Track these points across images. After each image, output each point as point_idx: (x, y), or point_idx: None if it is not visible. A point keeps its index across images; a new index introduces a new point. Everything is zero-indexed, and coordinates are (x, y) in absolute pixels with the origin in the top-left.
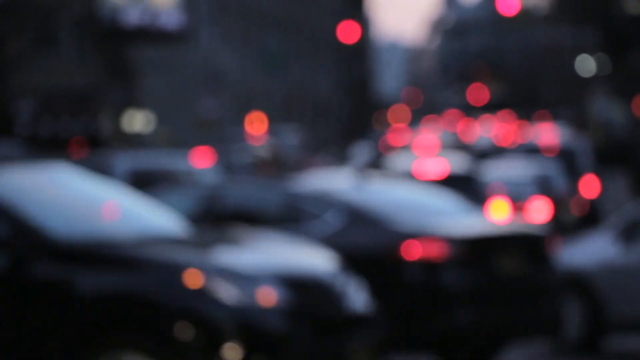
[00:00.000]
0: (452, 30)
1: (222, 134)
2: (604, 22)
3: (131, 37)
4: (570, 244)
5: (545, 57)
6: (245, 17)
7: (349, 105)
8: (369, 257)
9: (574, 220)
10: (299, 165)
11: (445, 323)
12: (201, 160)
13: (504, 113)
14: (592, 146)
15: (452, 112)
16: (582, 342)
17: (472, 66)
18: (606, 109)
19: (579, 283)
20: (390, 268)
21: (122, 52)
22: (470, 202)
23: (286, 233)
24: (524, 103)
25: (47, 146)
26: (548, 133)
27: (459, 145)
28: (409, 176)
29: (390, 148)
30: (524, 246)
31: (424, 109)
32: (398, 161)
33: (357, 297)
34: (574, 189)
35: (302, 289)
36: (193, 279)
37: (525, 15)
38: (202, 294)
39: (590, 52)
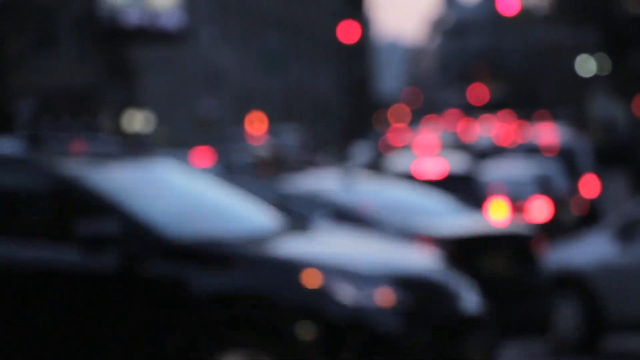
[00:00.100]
0: (452, 30)
1: (222, 134)
2: (604, 22)
3: (131, 37)
4: (569, 243)
5: (545, 57)
6: (245, 17)
7: (349, 105)
8: None
9: (574, 220)
10: (299, 165)
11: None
12: (201, 160)
13: (504, 113)
14: (592, 146)
15: (452, 112)
16: (581, 342)
17: (472, 66)
18: (606, 109)
19: (577, 282)
20: None
21: (122, 52)
22: (470, 202)
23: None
24: (524, 103)
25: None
26: (548, 133)
27: (459, 145)
28: (409, 176)
29: (390, 148)
30: (511, 246)
31: (424, 109)
32: (398, 161)
33: (470, 297)
34: (574, 189)
35: (417, 289)
36: (311, 279)
37: (525, 15)
38: (320, 293)
39: (591, 52)
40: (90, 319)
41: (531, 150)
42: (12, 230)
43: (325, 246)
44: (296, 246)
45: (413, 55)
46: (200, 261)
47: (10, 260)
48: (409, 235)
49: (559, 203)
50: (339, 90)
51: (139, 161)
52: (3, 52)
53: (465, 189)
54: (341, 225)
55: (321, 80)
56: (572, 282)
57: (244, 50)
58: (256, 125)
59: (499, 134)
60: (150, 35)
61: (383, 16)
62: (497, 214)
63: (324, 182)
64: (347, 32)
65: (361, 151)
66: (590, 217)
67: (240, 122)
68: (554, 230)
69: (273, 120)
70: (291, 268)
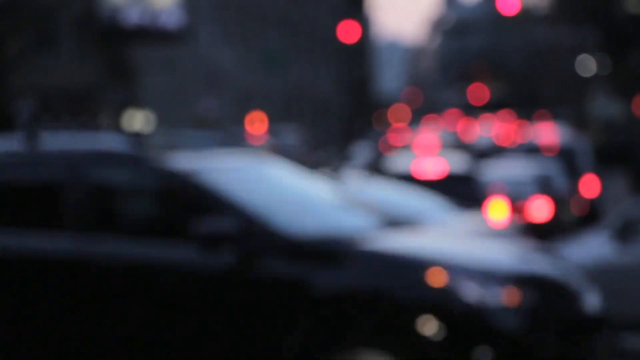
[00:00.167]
0: (452, 29)
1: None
2: (604, 22)
3: (131, 36)
4: (568, 243)
5: (545, 57)
6: (245, 16)
7: (349, 105)
8: None
9: (574, 220)
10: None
11: None
12: None
13: (504, 113)
14: (592, 146)
15: (452, 112)
16: None
17: (472, 66)
18: (606, 108)
19: None
20: None
21: (122, 52)
22: (470, 202)
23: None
24: (524, 103)
25: None
26: (548, 133)
27: (459, 145)
28: (409, 176)
29: (390, 148)
30: None
31: (424, 109)
32: (398, 161)
33: (591, 297)
34: (574, 189)
35: (541, 288)
36: (436, 276)
37: (525, 14)
38: (445, 292)
39: (591, 52)
40: (206, 317)
41: (531, 150)
42: (125, 229)
43: (440, 244)
44: (411, 243)
45: (413, 55)
46: (319, 259)
47: (125, 258)
48: None
49: (559, 203)
50: (339, 90)
51: (240, 156)
52: (3, 52)
53: (465, 189)
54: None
55: (321, 80)
56: None
57: (244, 50)
58: (256, 125)
59: (499, 134)
60: (150, 34)
61: (383, 16)
62: (497, 214)
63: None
64: (347, 31)
65: (361, 151)
66: (590, 217)
67: (240, 122)
68: (554, 230)
69: (273, 120)
70: (415, 266)
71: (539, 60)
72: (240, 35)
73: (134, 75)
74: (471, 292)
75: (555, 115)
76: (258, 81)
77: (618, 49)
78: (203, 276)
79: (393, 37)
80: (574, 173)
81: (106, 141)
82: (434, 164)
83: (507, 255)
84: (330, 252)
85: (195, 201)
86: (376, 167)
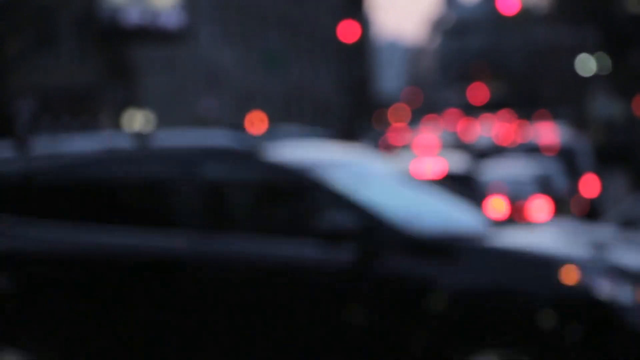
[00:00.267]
0: (452, 29)
1: None
2: (604, 22)
3: (131, 36)
4: None
5: (545, 57)
6: (245, 16)
7: (349, 105)
8: None
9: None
10: None
11: None
12: None
13: (504, 112)
14: (592, 145)
15: (452, 112)
16: None
17: (472, 66)
18: (606, 108)
19: None
20: None
21: (122, 52)
22: (470, 201)
23: None
24: (524, 102)
25: None
26: (548, 132)
27: (459, 145)
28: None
29: (390, 147)
30: None
31: (424, 109)
32: (398, 161)
33: None
34: (574, 189)
35: None
36: (569, 274)
37: (525, 14)
38: (579, 290)
39: (591, 52)
40: (325, 316)
41: (531, 149)
42: (240, 226)
43: (560, 241)
44: (532, 240)
45: (413, 55)
46: (443, 257)
47: (242, 256)
48: None
49: (559, 203)
50: (339, 90)
51: (342, 151)
52: (3, 52)
53: (465, 189)
54: None
55: (321, 79)
56: None
57: (244, 50)
58: (256, 124)
59: (499, 134)
60: (150, 34)
61: (383, 16)
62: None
63: None
64: (347, 31)
65: None
66: (590, 216)
67: (240, 121)
68: None
69: (273, 120)
70: (546, 263)
71: (539, 60)
72: (240, 35)
73: (134, 75)
74: (605, 290)
75: (555, 115)
76: (258, 81)
77: (618, 49)
78: (323, 274)
79: (393, 37)
80: (574, 173)
81: (217, 138)
82: (434, 164)
83: (626, 252)
84: (454, 249)
85: (314, 198)
86: None
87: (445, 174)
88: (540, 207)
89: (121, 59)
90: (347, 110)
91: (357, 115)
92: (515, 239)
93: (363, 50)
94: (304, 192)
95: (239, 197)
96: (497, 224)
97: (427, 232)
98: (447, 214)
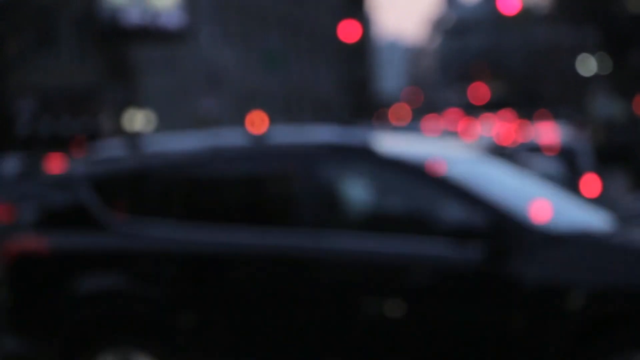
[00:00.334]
0: (453, 29)
1: None
2: (605, 22)
3: (131, 36)
4: None
5: (545, 56)
6: (245, 16)
7: (350, 105)
8: None
9: None
10: None
11: None
12: None
13: (504, 112)
14: (593, 145)
15: (453, 111)
16: None
17: (472, 65)
18: (606, 108)
19: None
20: None
21: (122, 52)
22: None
23: None
24: (524, 102)
25: (47, 146)
26: (549, 132)
27: None
28: None
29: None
30: None
31: (424, 108)
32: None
33: None
34: (574, 188)
35: None
36: None
37: (525, 14)
38: None
39: (591, 51)
40: (452, 315)
41: (532, 149)
42: (360, 224)
43: None
44: None
45: (413, 54)
46: (578, 253)
47: (363, 253)
48: None
49: None
50: (340, 90)
51: (453, 147)
52: (3, 52)
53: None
54: None
55: (322, 79)
56: None
57: (244, 49)
58: (257, 124)
59: (500, 134)
60: (150, 34)
61: (383, 15)
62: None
63: None
64: (347, 31)
65: None
66: None
67: (240, 121)
68: None
69: (273, 119)
70: None
71: (539, 60)
72: (240, 35)
73: (134, 75)
74: None
75: (556, 114)
76: (258, 81)
77: (618, 49)
78: (449, 273)
79: (393, 37)
80: (574, 172)
81: (333, 134)
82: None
83: None
84: (591, 247)
85: (436, 194)
86: None
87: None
88: (540, 206)
89: (121, 59)
90: (347, 110)
91: (358, 115)
92: None
93: (363, 50)
94: (425, 188)
95: (357, 193)
96: (623, 219)
97: (557, 228)
98: (573, 210)
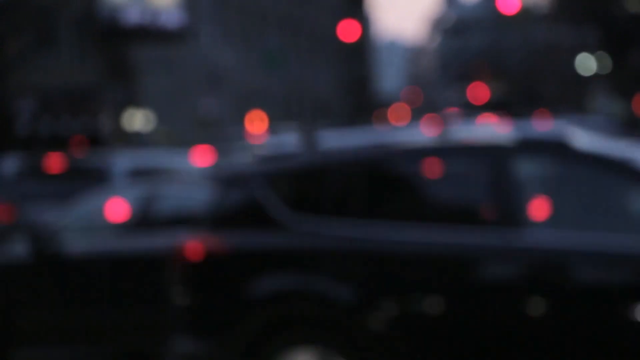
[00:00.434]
0: (452, 29)
1: (223, 132)
2: (605, 21)
3: (131, 36)
4: None
5: (545, 56)
6: (245, 16)
7: (349, 105)
8: None
9: None
10: None
11: None
12: (201, 158)
13: (504, 112)
14: None
15: (453, 111)
16: None
17: (472, 65)
18: (606, 108)
19: None
20: None
21: (122, 52)
22: None
23: None
24: (524, 102)
25: (47, 146)
26: None
27: None
28: None
29: None
30: None
31: (424, 108)
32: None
33: None
34: None
35: None
36: None
37: (525, 13)
38: None
39: (591, 51)
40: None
41: None
42: (562, 220)
43: None
44: None
45: (413, 54)
46: None
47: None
48: None
49: None
50: (339, 89)
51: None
52: (3, 52)
53: None
54: None
55: (321, 79)
56: None
57: (245, 49)
58: (256, 124)
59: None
60: (150, 34)
61: (383, 15)
62: None
63: None
64: (347, 31)
65: None
66: None
67: (240, 121)
68: None
69: (273, 119)
70: None
71: (539, 59)
72: (240, 35)
73: (134, 75)
74: None
75: (556, 114)
76: (258, 81)
77: (618, 48)
78: None
79: (393, 37)
80: None
81: (529, 130)
82: None
83: None
84: None
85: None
86: None
87: None
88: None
89: (121, 59)
90: (347, 109)
91: (357, 115)
92: None
93: (363, 50)
94: (626, 183)
95: (556, 190)
96: None
97: None
98: None
